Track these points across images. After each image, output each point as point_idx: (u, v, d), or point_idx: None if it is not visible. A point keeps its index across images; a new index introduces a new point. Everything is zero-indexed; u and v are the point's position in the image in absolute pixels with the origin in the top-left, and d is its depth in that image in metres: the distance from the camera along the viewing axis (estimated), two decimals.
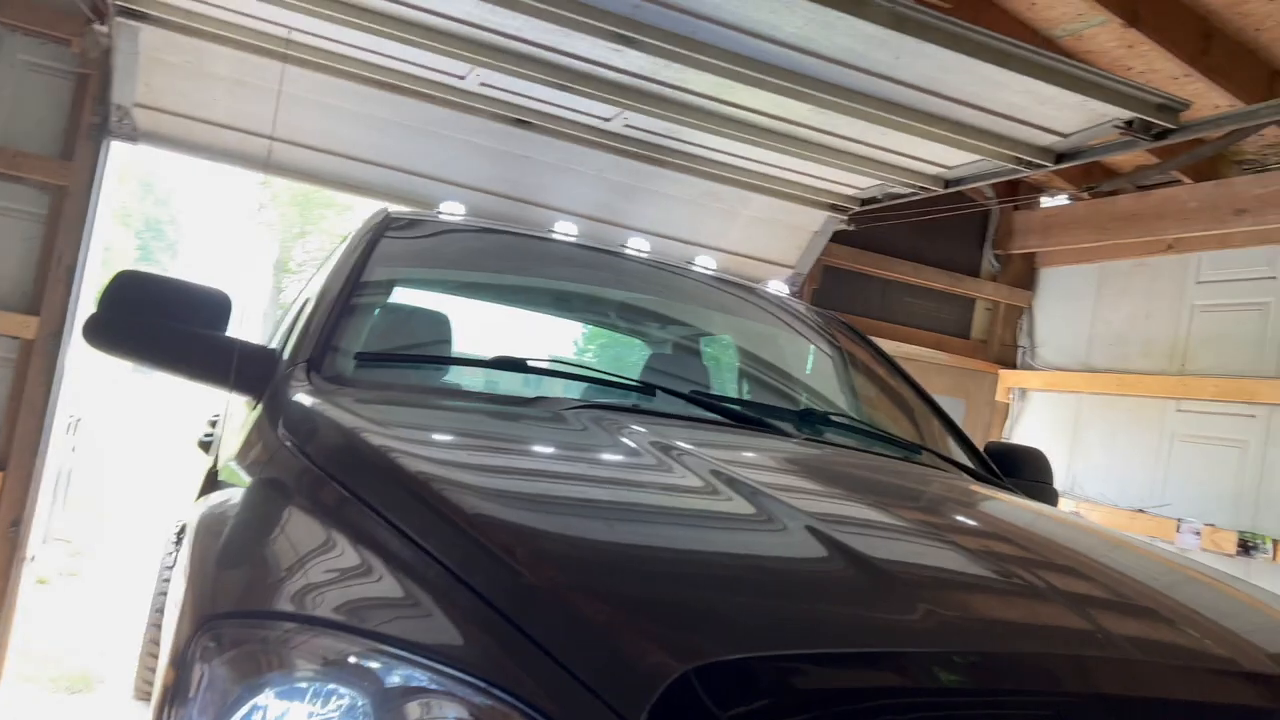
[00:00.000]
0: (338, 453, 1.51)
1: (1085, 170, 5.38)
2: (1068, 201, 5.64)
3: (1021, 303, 6.12)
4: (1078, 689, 1.02)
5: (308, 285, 3.25)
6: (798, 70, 3.37)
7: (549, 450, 1.74)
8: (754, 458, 1.84)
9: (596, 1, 3.05)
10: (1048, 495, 2.73)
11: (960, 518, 1.75)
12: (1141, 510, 4.96)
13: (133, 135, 4.08)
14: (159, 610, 4.07)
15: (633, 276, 2.98)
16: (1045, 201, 5.82)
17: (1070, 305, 5.88)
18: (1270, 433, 4.51)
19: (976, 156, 3.95)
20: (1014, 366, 6.06)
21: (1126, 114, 3.31)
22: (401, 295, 2.61)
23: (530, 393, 2.24)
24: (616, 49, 3.32)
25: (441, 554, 1.11)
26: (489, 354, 2.14)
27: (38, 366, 4.04)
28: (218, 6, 3.60)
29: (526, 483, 1.47)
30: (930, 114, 3.60)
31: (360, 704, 0.95)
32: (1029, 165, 3.87)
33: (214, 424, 3.72)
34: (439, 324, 2.43)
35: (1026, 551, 1.51)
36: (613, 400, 2.10)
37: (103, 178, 4.09)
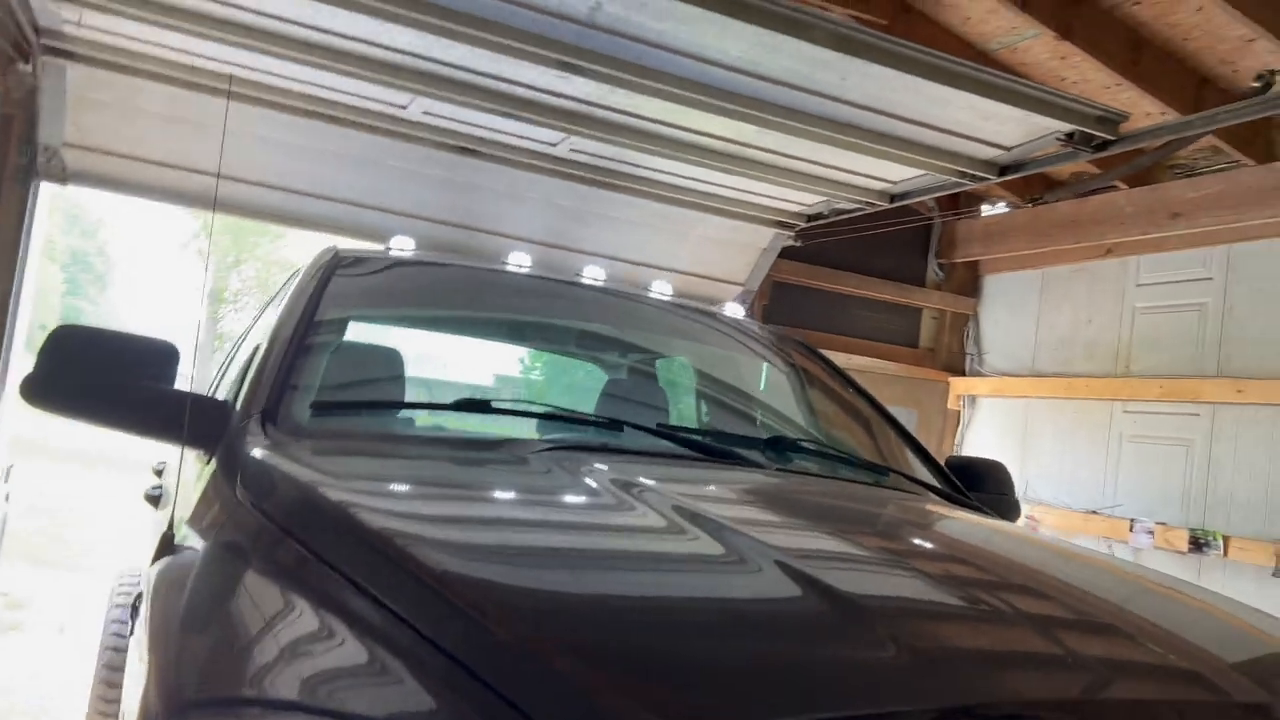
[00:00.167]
0: (300, 513, 1.45)
1: (1025, 179, 5.49)
2: (1007, 209, 5.75)
3: (967, 310, 6.21)
4: None
5: (253, 327, 3.17)
6: (745, 93, 3.38)
7: (519, 498, 1.70)
8: (728, 494, 1.81)
9: (542, 30, 3.02)
10: (1011, 507, 2.76)
11: (939, 549, 1.75)
12: (1094, 512, 5.05)
13: (62, 176, 3.96)
14: (110, 668, 3.92)
15: (590, 305, 2.95)
16: (986, 210, 5.92)
17: (1014, 311, 5.99)
18: (1214, 431, 4.62)
19: (922, 171, 4.00)
20: (963, 374, 6.15)
21: (1067, 126, 3.38)
22: (355, 336, 2.55)
23: (495, 431, 2.20)
24: (563, 76, 3.30)
25: (415, 617, 1.07)
26: (449, 391, 2.09)
27: None
28: (148, 43, 3.51)
29: (497, 534, 1.43)
30: (876, 132, 3.63)
31: None
32: (973, 179, 3.93)
33: (159, 473, 3.60)
34: (396, 364, 2.37)
35: (1011, 583, 1.51)
36: (580, 439, 2.06)
37: (32, 221, 3.95)
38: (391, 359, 2.42)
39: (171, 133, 3.93)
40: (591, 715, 0.88)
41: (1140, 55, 4.28)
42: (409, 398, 2.29)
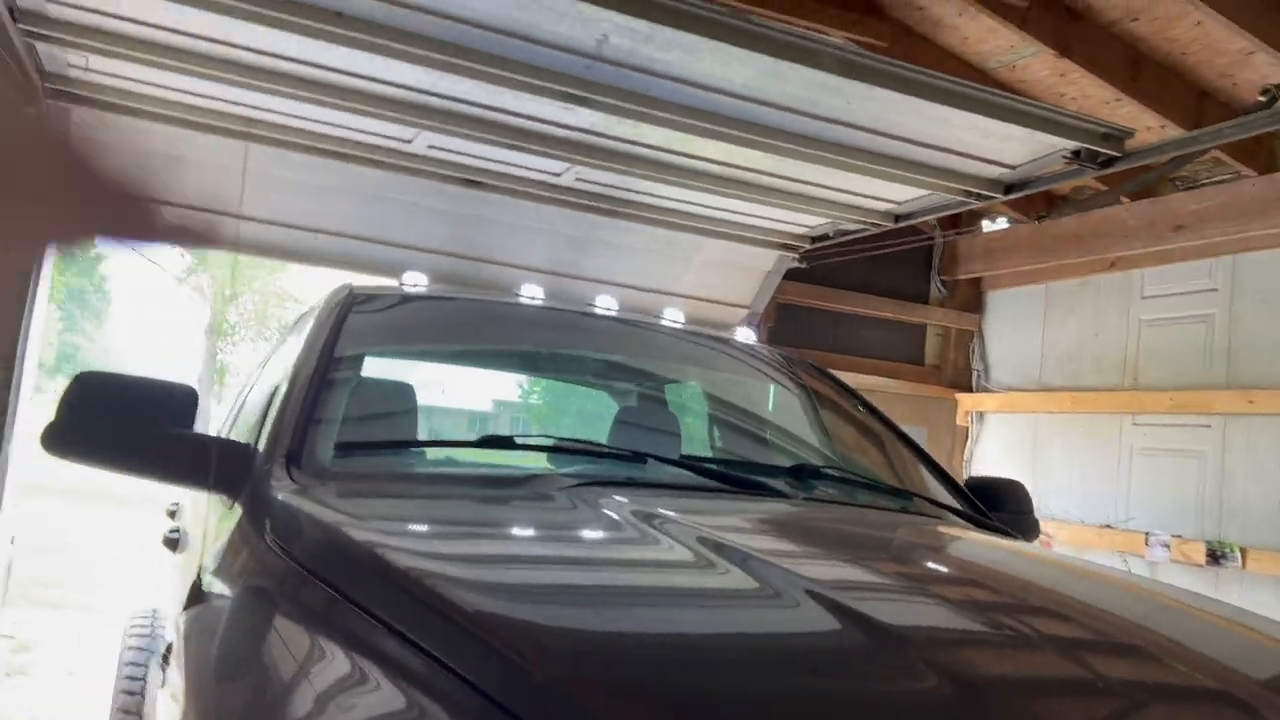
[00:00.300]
0: (331, 557, 1.44)
1: (1027, 197, 5.51)
2: (1008, 225, 5.76)
3: (971, 326, 6.22)
4: None
5: (266, 366, 3.16)
6: (750, 119, 3.40)
7: (549, 536, 1.69)
8: (757, 525, 1.81)
9: (548, 64, 3.03)
10: (1031, 527, 2.75)
11: (972, 576, 1.74)
12: (1108, 526, 5.03)
13: None
14: (124, 711, 3.88)
15: (607, 334, 2.95)
16: (987, 226, 5.94)
17: (1019, 326, 5.99)
18: (1226, 442, 4.61)
19: (926, 191, 4.01)
20: (970, 390, 6.14)
21: (1073, 144, 3.39)
22: (374, 373, 2.55)
23: (518, 464, 2.19)
24: (568, 108, 3.31)
25: (453, 659, 1.07)
26: (470, 422, 2.09)
27: None
28: (153, 85, 3.53)
29: (530, 573, 1.42)
30: (881, 154, 3.65)
31: None
32: (979, 197, 3.94)
33: (173, 514, 3.57)
34: (416, 401, 2.37)
35: (1046, 610, 1.50)
36: (606, 474, 2.06)
37: (41, 266, 3.95)
38: (411, 395, 2.41)
39: (175, 172, 3.93)
40: None
41: (1140, 71, 4.31)
42: (429, 432, 2.29)
